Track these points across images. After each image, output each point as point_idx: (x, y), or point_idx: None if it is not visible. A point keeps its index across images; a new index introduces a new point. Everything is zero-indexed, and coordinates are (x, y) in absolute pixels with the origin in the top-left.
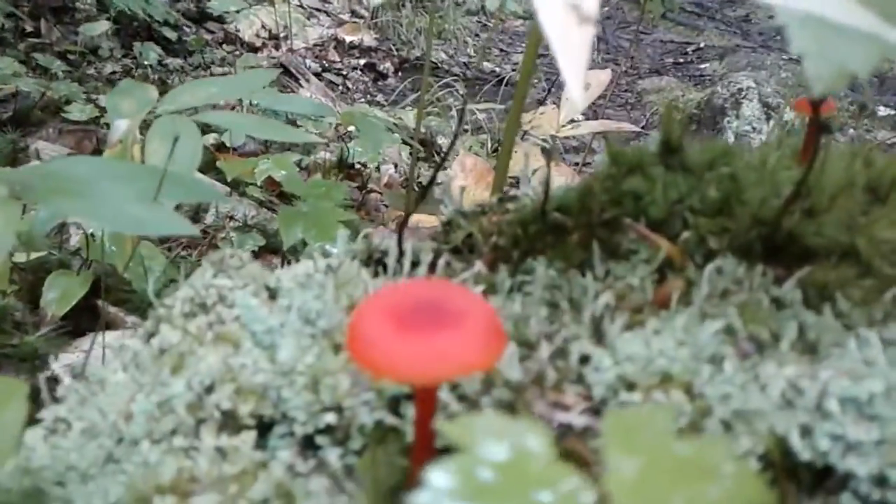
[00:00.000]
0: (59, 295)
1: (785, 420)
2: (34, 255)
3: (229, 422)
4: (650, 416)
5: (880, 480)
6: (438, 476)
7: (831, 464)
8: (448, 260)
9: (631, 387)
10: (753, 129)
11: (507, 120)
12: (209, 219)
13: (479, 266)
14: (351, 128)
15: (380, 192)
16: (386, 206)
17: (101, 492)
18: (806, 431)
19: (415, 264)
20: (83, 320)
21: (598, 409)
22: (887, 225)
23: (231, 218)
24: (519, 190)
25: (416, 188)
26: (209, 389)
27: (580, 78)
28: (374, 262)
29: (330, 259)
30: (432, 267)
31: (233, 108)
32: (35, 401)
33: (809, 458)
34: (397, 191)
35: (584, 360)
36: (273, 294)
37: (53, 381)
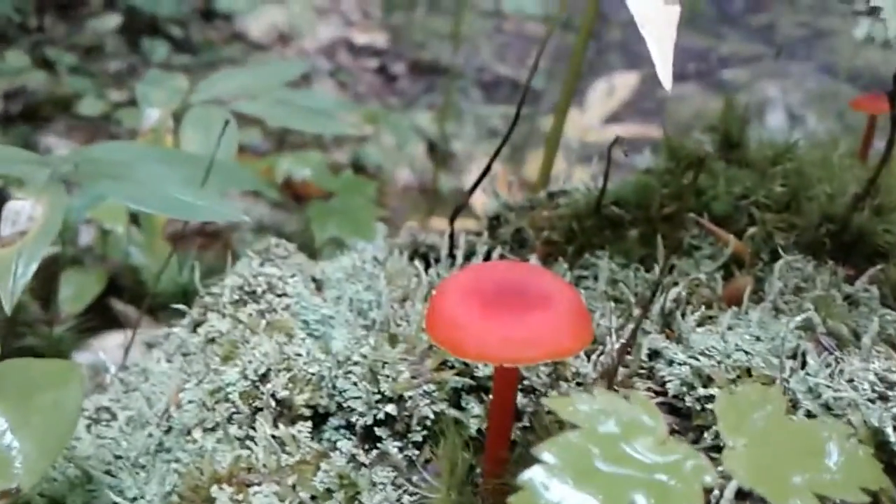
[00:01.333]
0: (75, 293)
1: (879, 412)
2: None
3: (285, 411)
4: (761, 397)
5: None
6: (548, 454)
7: None
8: (502, 253)
9: (708, 381)
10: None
11: (554, 113)
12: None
13: (533, 260)
14: (368, 129)
15: (395, 197)
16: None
17: (156, 480)
18: None
19: (468, 257)
20: (97, 319)
21: (672, 405)
22: None
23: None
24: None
25: (433, 193)
26: (264, 378)
27: (669, 57)
28: (420, 255)
29: (376, 251)
30: (486, 260)
31: None
32: None
33: None
34: (413, 196)
35: (654, 354)
36: (319, 286)
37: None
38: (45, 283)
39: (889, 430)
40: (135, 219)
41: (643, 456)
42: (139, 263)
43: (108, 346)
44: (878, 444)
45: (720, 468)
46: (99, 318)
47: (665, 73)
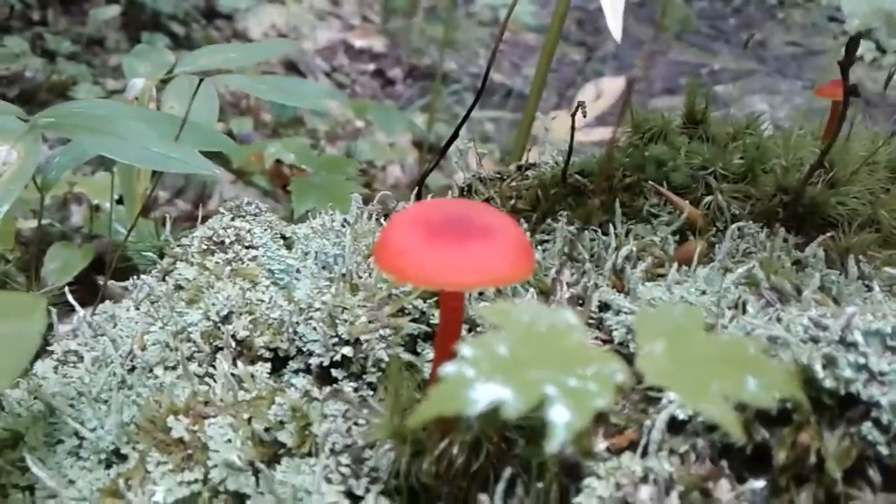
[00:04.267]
0: (61, 266)
1: (808, 351)
2: (36, 224)
3: (244, 351)
4: (680, 312)
5: None
6: (468, 349)
7: (854, 392)
8: None
9: None
10: None
11: (532, 82)
12: (212, 204)
13: None
14: (359, 124)
15: (387, 193)
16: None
17: (115, 412)
18: (830, 361)
19: None
20: (82, 295)
21: (617, 352)
22: None
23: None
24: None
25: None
26: (226, 319)
27: (619, 10)
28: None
29: (346, 215)
30: None
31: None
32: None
33: (832, 385)
34: (403, 192)
35: (605, 307)
36: (289, 243)
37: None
38: (33, 258)
39: (818, 367)
40: (121, 200)
41: (560, 355)
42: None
43: None
44: (806, 381)
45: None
46: (85, 293)
47: (615, 25)
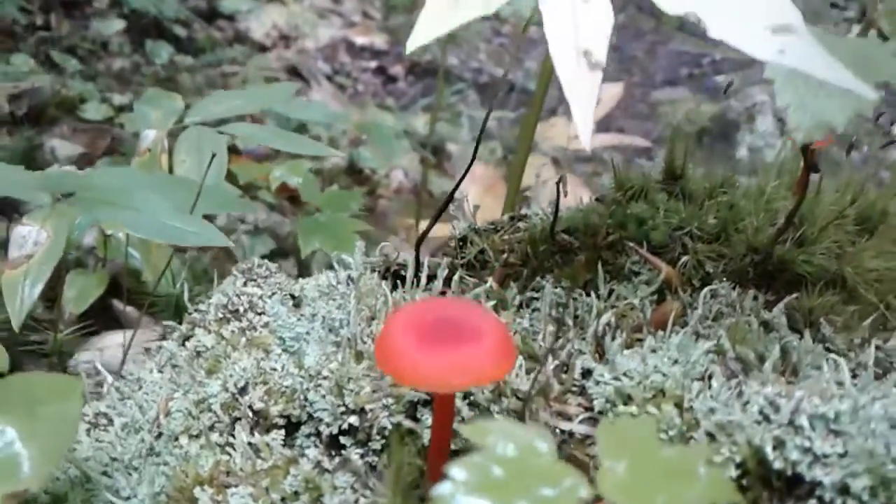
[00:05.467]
0: (77, 294)
1: (761, 433)
2: None
3: (261, 420)
4: (638, 425)
5: (843, 489)
6: (457, 470)
7: (800, 473)
8: (462, 276)
9: (628, 400)
10: (766, 144)
11: (520, 132)
12: (220, 221)
13: (490, 283)
14: (362, 136)
15: (388, 199)
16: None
17: (147, 481)
18: (779, 443)
19: (431, 278)
20: (99, 319)
21: (598, 420)
22: (874, 255)
23: (242, 221)
24: (530, 209)
25: (426, 195)
26: (243, 390)
27: (589, 120)
28: (392, 274)
29: (350, 271)
30: (447, 281)
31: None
32: None
33: (781, 467)
34: (406, 197)
35: (587, 373)
36: (297, 302)
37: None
38: (48, 285)
39: (768, 450)
40: None
41: (536, 475)
42: (139, 266)
43: (108, 345)
44: (759, 461)
45: None
46: (100, 318)
47: (585, 134)
